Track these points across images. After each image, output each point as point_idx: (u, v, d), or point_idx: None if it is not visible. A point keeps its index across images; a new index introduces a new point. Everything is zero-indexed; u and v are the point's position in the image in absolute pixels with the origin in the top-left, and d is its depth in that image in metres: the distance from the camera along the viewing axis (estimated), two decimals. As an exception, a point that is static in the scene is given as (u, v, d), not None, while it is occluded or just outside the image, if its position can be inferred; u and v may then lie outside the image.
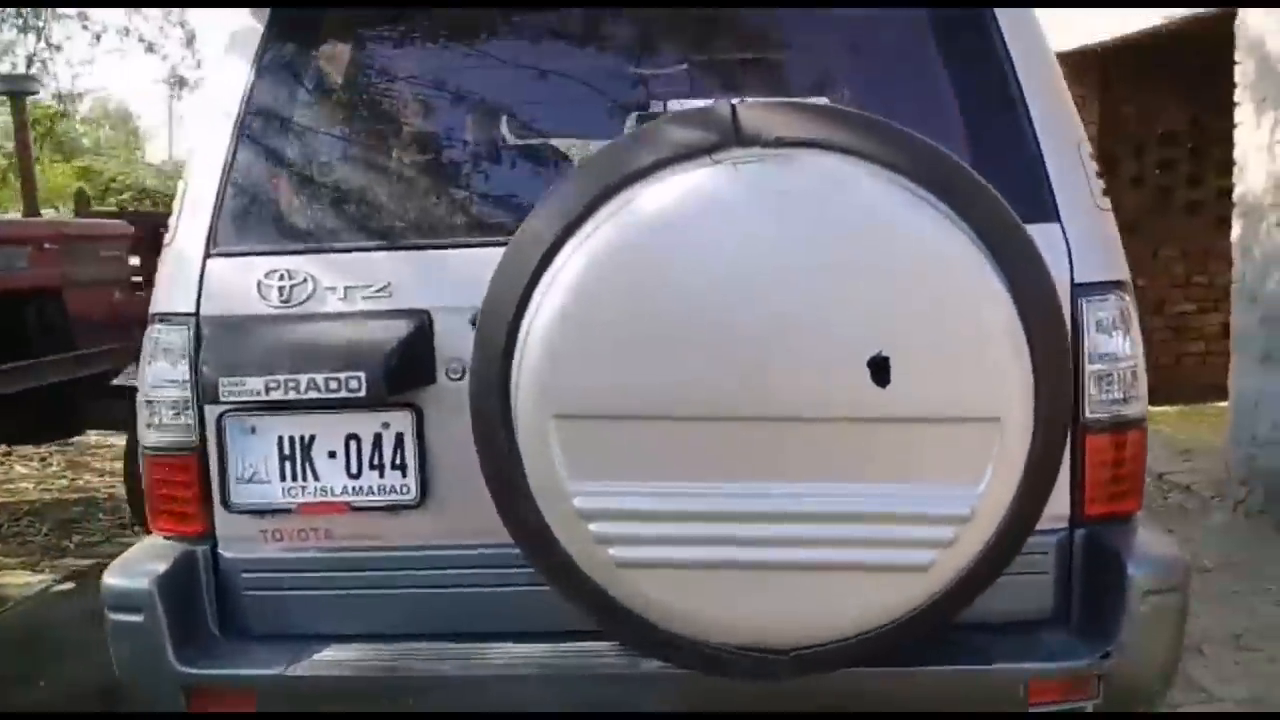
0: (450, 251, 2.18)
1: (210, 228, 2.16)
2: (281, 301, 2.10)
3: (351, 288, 2.11)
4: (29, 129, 6.69)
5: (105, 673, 2.21)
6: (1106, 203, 2.14)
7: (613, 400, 1.79)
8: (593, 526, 1.82)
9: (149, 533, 2.27)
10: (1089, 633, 2.06)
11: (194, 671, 2.06)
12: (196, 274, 2.14)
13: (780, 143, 1.79)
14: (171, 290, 2.17)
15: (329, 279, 2.11)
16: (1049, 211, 2.06)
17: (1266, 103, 5.00)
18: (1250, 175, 5.13)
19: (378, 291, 2.12)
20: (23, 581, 4.74)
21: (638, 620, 1.87)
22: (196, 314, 2.12)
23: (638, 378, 1.77)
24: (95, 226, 6.06)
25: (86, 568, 4.71)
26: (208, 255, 2.15)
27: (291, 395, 1.97)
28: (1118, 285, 2.08)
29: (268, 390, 1.96)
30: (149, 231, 5.67)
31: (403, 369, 2.03)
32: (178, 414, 2.13)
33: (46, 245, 5.18)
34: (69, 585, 4.63)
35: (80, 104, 18.24)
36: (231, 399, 1.98)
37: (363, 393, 1.97)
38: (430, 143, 2.42)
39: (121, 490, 5.61)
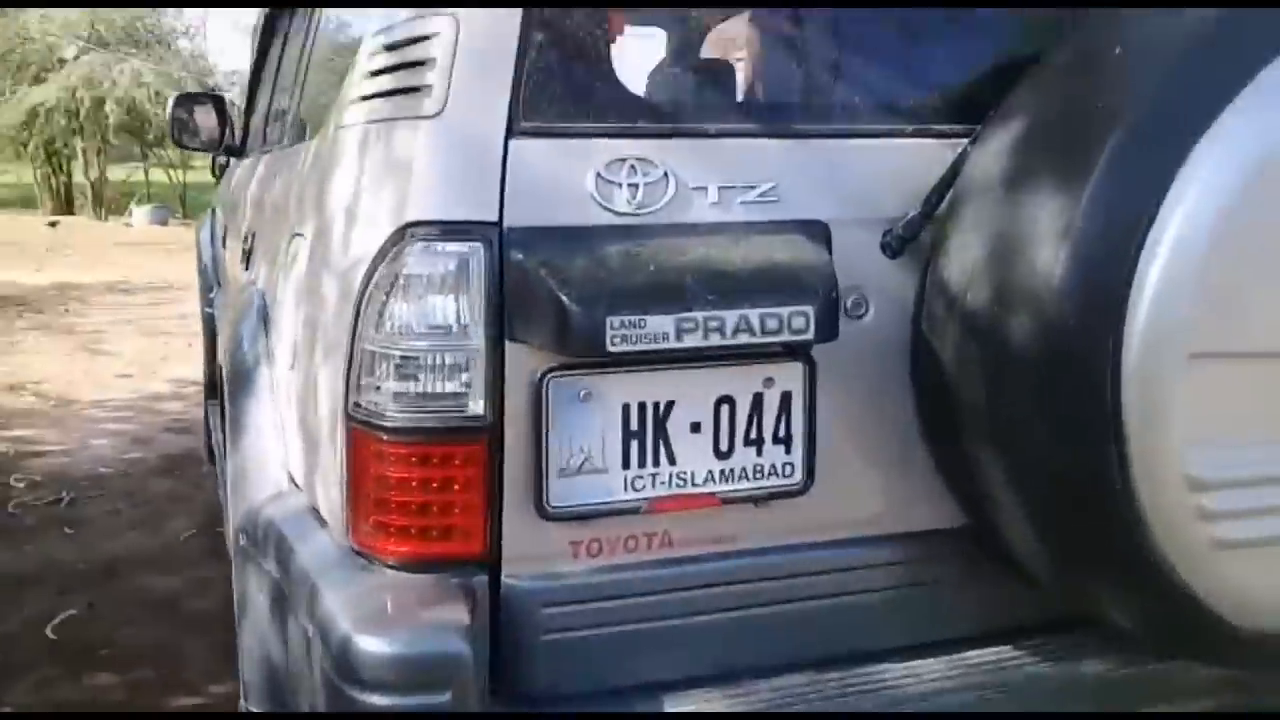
0: (849, 142, 1.55)
1: (513, 91, 1.39)
2: (633, 205, 1.42)
3: (727, 188, 1.46)
4: None
5: None
6: None
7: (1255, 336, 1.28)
8: (1202, 498, 1.34)
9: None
10: None
11: None
12: (496, 162, 1.37)
13: None
14: (448, 186, 1.38)
15: (695, 175, 1.45)
16: None
17: None
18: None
19: (762, 195, 1.48)
20: None
21: (1209, 615, 1.41)
22: (500, 223, 1.37)
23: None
24: None
25: None
26: (510, 134, 1.38)
27: (713, 340, 1.34)
28: None
29: (679, 334, 1.33)
30: None
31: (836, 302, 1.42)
32: (460, 378, 1.38)
33: None
34: None
35: None
36: (624, 347, 1.31)
37: (809, 334, 1.38)
38: None
39: None
